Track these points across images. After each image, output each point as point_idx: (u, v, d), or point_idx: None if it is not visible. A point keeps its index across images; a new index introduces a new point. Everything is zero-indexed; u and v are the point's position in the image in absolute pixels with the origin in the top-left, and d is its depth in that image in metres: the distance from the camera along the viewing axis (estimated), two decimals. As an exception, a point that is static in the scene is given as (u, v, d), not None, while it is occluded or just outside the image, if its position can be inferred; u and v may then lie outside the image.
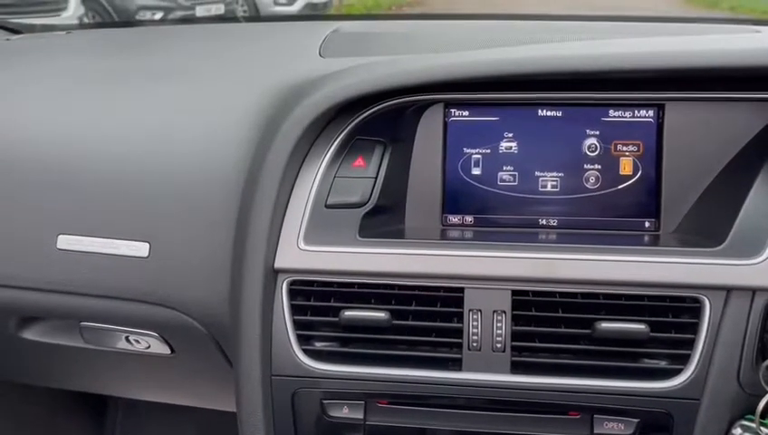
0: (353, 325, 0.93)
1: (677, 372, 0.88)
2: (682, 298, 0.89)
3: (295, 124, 0.96)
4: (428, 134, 1.04)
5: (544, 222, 1.03)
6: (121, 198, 1.04)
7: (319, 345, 0.95)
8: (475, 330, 0.91)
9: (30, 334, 1.20)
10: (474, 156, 1.04)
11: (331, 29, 1.29)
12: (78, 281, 1.06)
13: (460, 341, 0.91)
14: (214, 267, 1.00)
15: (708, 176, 0.99)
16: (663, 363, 0.90)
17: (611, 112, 1.01)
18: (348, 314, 0.92)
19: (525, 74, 0.95)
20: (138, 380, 1.35)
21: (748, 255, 0.87)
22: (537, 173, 1.03)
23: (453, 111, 1.03)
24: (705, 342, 0.87)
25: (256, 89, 1.08)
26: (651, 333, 0.88)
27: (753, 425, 0.87)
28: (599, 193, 1.02)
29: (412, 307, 0.93)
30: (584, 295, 0.90)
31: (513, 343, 0.91)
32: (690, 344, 0.88)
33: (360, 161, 0.99)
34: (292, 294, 0.94)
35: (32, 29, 1.70)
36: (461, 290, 0.91)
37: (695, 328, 0.88)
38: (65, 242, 1.05)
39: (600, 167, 1.02)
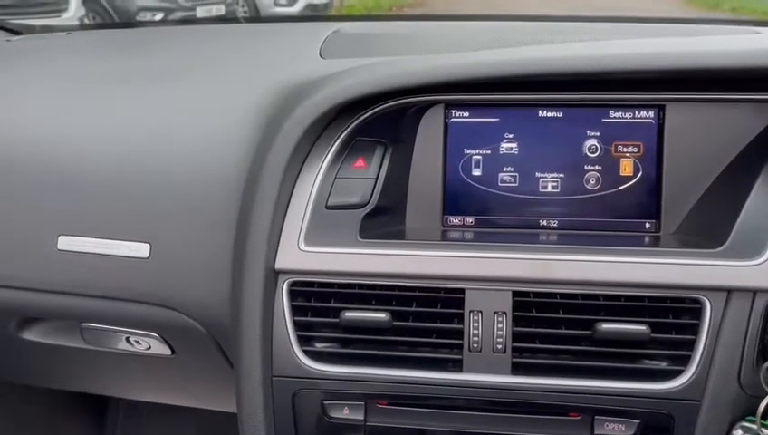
0: (354, 326, 0.93)
1: (678, 374, 0.88)
2: (682, 299, 0.89)
3: (296, 125, 0.96)
4: (429, 135, 1.04)
5: (545, 223, 1.03)
6: (122, 199, 1.04)
7: (319, 346, 0.95)
8: (475, 331, 0.91)
9: (30, 335, 1.20)
10: (474, 157, 1.04)
11: (331, 30, 1.29)
12: (78, 282, 1.06)
13: (461, 342, 0.91)
14: (214, 268, 1.00)
15: (709, 177, 0.99)
16: (663, 364, 0.90)
17: (612, 113, 1.01)
18: (348, 314, 0.92)
19: (526, 75, 0.95)
20: (138, 380, 1.35)
21: (749, 256, 0.87)
22: (538, 174, 1.03)
23: (453, 111, 1.03)
24: (705, 343, 0.87)
25: (257, 89, 1.08)
26: (652, 335, 0.88)
27: (755, 426, 0.87)
28: (599, 194, 1.02)
29: (413, 308, 0.93)
30: (585, 296, 0.90)
31: (514, 344, 0.91)
32: (691, 345, 0.88)
33: (360, 162, 0.99)
34: (293, 294, 0.94)
35: (32, 30, 1.70)
36: (462, 291, 0.91)
37: (695, 329, 0.88)
38: (66, 243, 1.05)
39: (600, 168, 1.02)
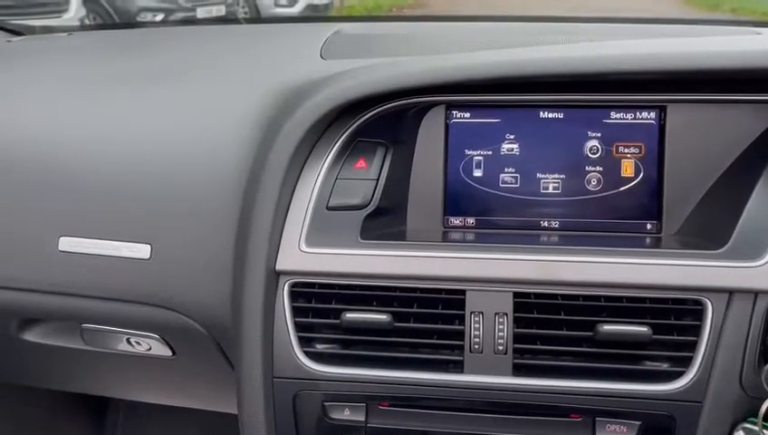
0: (355, 327, 0.93)
1: (680, 375, 0.88)
2: (684, 300, 0.89)
3: (297, 126, 0.96)
4: (430, 136, 1.04)
5: (546, 224, 1.03)
6: (123, 200, 1.04)
7: (320, 347, 0.95)
8: (476, 332, 0.91)
9: (31, 336, 1.20)
10: (475, 158, 1.03)
11: (332, 30, 1.29)
12: (79, 283, 1.06)
13: (462, 343, 0.91)
14: (215, 269, 1.00)
15: (710, 178, 0.99)
16: (665, 366, 0.90)
17: (613, 114, 1.01)
18: (349, 316, 0.92)
19: (527, 76, 0.95)
20: (139, 382, 1.35)
21: (750, 257, 0.87)
22: (539, 175, 1.03)
23: (454, 112, 1.03)
24: (707, 344, 0.87)
25: (257, 90, 1.08)
26: (653, 336, 0.88)
27: (756, 428, 0.87)
28: (600, 195, 1.02)
29: (413, 309, 0.93)
30: (586, 298, 0.90)
31: (515, 346, 0.91)
32: (692, 347, 0.88)
33: (361, 163, 0.99)
34: (294, 296, 0.94)
35: (33, 30, 1.70)
36: (463, 292, 0.91)
37: (697, 330, 0.88)
38: (67, 244, 1.05)
39: (601, 169, 1.02)
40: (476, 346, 0.91)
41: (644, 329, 0.88)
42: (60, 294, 1.08)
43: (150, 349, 1.15)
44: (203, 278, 1.01)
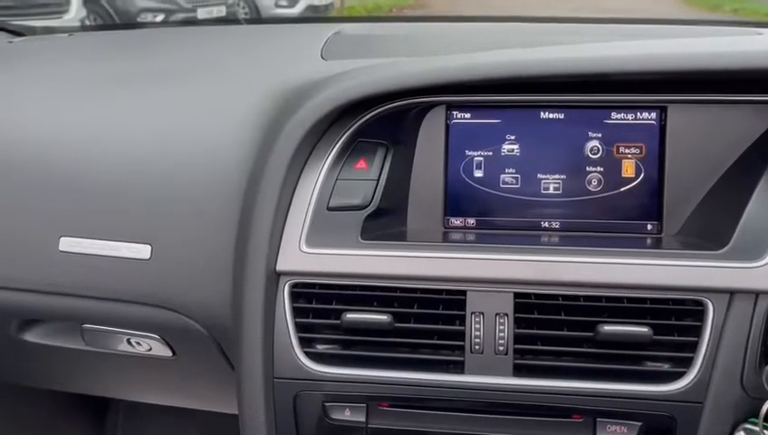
0: (355, 328, 0.93)
1: (680, 376, 0.88)
2: (685, 301, 0.89)
3: (297, 126, 0.96)
4: (430, 136, 1.04)
5: (546, 225, 1.03)
6: (123, 200, 1.04)
7: (321, 348, 0.95)
8: (477, 333, 0.90)
9: (31, 337, 1.20)
10: (476, 158, 1.03)
11: (332, 31, 1.29)
12: (80, 283, 1.06)
13: (462, 343, 0.91)
14: (215, 269, 1.00)
15: (711, 178, 0.99)
16: (666, 366, 0.90)
17: (614, 115, 1.01)
18: (350, 316, 0.92)
19: (528, 77, 0.95)
20: (139, 382, 1.35)
21: (751, 258, 0.87)
22: (539, 175, 1.03)
23: (455, 113, 1.03)
24: (708, 345, 0.87)
25: (258, 91, 1.08)
26: (654, 336, 0.88)
27: (757, 428, 0.87)
28: (601, 195, 1.02)
29: (414, 310, 0.93)
30: (587, 298, 0.90)
31: (516, 346, 0.91)
32: (693, 347, 0.88)
33: (362, 164, 0.99)
34: (294, 296, 0.94)
35: (33, 31, 1.70)
36: (463, 293, 0.91)
37: (698, 331, 0.88)
38: (67, 244, 1.05)
39: (602, 169, 1.02)
40: (477, 347, 0.91)
41: (645, 329, 0.88)
42: (60, 295, 1.08)
43: (151, 349, 1.15)
44: (203, 279, 1.01)
